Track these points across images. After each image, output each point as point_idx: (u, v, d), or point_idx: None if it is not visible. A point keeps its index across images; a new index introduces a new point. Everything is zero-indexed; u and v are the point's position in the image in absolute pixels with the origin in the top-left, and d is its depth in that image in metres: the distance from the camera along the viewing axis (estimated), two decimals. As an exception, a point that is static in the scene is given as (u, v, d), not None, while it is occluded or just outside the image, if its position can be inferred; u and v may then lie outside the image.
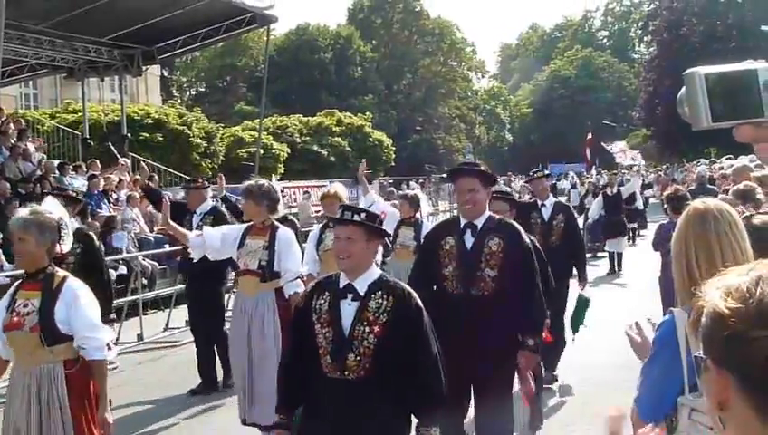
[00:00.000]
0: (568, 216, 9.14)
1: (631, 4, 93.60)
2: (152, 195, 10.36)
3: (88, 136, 23.25)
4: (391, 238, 9.42)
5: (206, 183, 10.20)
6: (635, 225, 23.68)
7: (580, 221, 20.00)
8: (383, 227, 4.37)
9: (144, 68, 22.73)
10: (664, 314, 3.06)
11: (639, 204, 23.80)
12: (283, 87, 63.95)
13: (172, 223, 7.08)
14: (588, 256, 19.60)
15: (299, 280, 6.98)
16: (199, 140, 29.24)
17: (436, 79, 78.72)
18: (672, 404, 2.72)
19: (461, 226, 5.47)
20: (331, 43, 70.96)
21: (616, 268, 18.16)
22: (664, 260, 7.64)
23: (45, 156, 19.52)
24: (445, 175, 33.29)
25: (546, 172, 10.10)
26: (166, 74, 58.51)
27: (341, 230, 4.21)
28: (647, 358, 3.03)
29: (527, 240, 5.53)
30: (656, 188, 31.42)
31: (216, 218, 9.01)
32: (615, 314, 11.42)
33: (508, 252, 5.32)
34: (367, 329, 4.05)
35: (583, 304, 8.54)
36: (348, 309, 4.13)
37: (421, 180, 39.97)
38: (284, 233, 7.06)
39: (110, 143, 22.41)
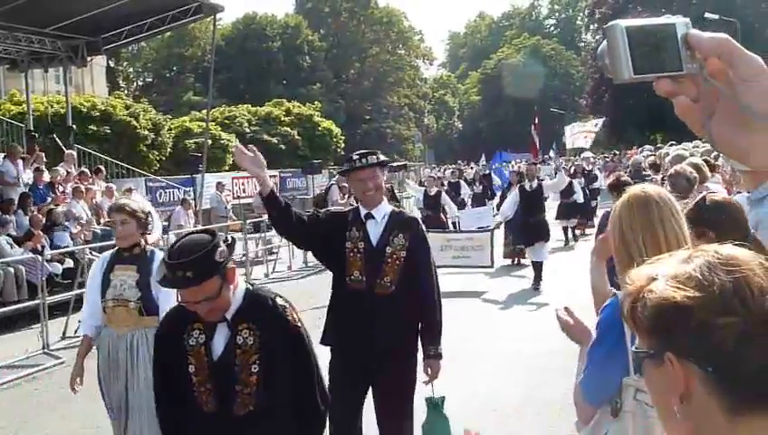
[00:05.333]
0: (413, 236, 5.01)
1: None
2: None
3: (32, 128, 22.84)
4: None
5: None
6: (574, 221, 20.77)
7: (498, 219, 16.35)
8: None
9: (89, 59, 22.38)
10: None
11: (579, 197, 20.29)
12: (231, 77, 63.63)
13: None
14: (508, 263, 16.71)
15: None
16: (146, 132, 28.92)
17: (385, 68, 78.84)
18: (617, 386, 2.77)
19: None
20: (279, 33, 70.73)
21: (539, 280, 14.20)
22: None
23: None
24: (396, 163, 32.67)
25: (381, 159, 5.05)
26: (112, 65, 57.66)
27: None
28: (581, 340, 3.07)
29: None
30: (602, 175, 31.23)
31: None
32: (555, 299, 11.60)
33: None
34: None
35: (437, 414, 5.19)
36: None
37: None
38: None
39: (55, 135, 22.06)
